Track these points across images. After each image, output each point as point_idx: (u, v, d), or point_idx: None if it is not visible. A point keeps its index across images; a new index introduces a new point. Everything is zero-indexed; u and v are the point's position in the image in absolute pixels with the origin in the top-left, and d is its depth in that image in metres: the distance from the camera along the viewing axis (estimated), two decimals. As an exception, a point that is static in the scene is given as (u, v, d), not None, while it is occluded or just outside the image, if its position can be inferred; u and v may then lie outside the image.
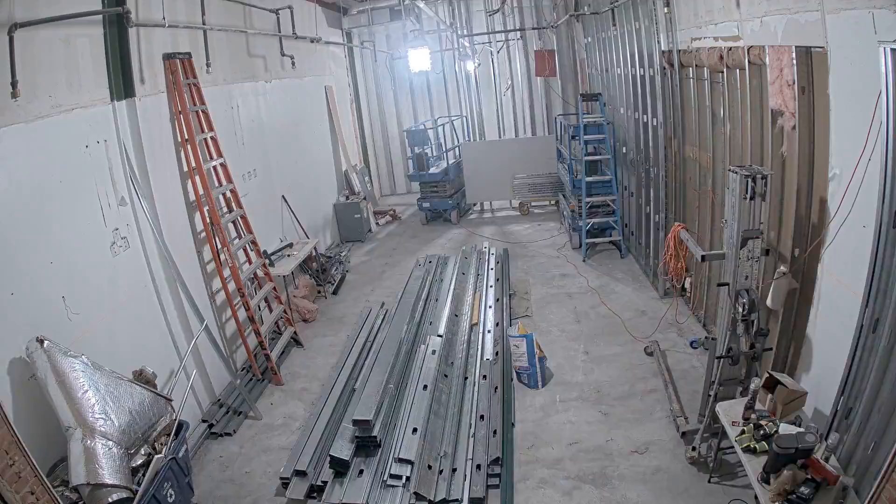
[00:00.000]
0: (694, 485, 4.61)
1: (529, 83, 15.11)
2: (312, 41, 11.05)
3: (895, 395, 3.29)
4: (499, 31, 14.21)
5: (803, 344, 4.57)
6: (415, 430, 5.21)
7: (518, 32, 14.38)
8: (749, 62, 5.31)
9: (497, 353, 6.63)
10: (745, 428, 3.95)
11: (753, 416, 4.01)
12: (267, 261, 7.85)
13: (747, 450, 3.82)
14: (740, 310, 4.28)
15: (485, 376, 6.18)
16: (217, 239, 6.66)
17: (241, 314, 6.94)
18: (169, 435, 4.52)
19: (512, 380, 6.32)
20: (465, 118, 14.81)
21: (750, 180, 4.07)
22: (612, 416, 5.61)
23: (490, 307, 7.80)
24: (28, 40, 4.38)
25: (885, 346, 3.37)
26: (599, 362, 6.60)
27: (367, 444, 5.11)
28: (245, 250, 7.55)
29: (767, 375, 4.18)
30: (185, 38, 6.81)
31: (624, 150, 10.09)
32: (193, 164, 6.47)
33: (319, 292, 9.44)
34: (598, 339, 7.12)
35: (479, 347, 6.84)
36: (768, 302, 4.75)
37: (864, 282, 3.56)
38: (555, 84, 14.63)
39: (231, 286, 6.83)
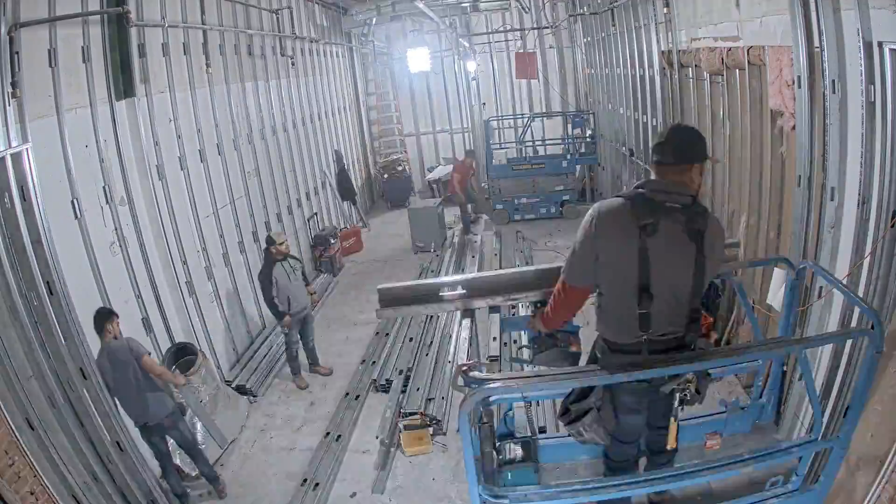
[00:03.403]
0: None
1: (529, 84, 15.07)
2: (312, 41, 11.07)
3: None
4: (498, 31, 14.21)
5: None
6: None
7: (518, 33, 14.37)
8: (749, 62, 5.31)
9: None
10: None
11: None
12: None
13: None
14: None
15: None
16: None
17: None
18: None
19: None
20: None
21: None
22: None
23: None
24: (29, 40, 4.38)
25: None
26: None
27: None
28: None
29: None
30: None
31: (624, 149, 10.10)
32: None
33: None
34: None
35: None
36: (770, 300, 4.74)
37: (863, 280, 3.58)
38: (555, 84, 14.66)
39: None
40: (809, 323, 4.25)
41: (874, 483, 3.00)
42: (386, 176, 14.65)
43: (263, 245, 6.95)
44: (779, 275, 4.88)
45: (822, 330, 4.16)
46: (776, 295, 4.68)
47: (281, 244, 6.35)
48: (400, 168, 14.71)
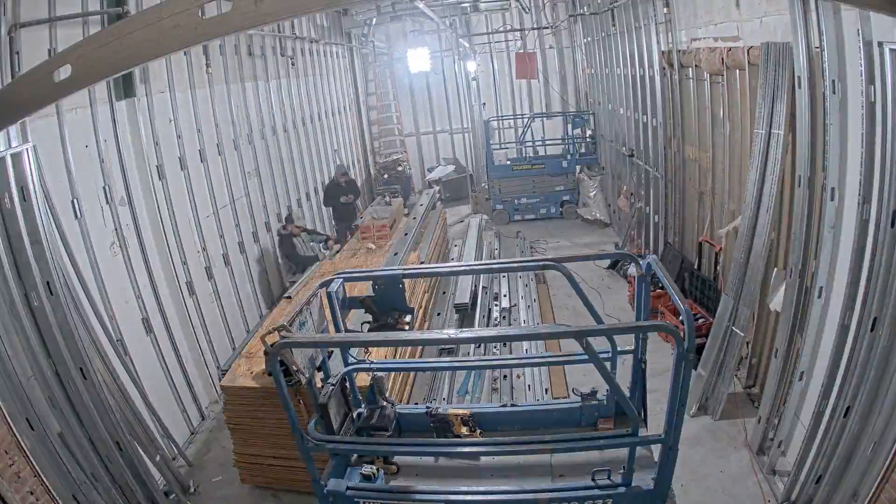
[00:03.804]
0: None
1: (529, 84, 15.08)
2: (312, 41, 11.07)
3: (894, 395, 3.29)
4: (498, 31, 14.21)
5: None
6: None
7: (518, 33, 14.36)
8: (749, 63, 5.31)
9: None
10: None
11: None
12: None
13: None
14: None
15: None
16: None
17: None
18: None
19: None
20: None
21: None
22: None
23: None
24: (29, 40, 4.38)
25: (884, 345, 3.37)
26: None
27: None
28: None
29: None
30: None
31: (624, 150, 10.12)
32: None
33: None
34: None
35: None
36: (772, 305, 4.75)
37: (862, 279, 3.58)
38: (555, 84, 14.67)
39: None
40: (809, 323, 4.25)
41: (875, 482, 3.00)
42: (386, 176, 14.64)
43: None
44: (778, 277, 4.90)
45: (822, 329, 4.16)
46: (776, 297, 4.69)
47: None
48: (400, 168, 14.75)
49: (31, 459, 3.33)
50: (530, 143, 13.39)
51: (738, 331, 5.28)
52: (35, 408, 3.89)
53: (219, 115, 7.52)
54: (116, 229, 5.39)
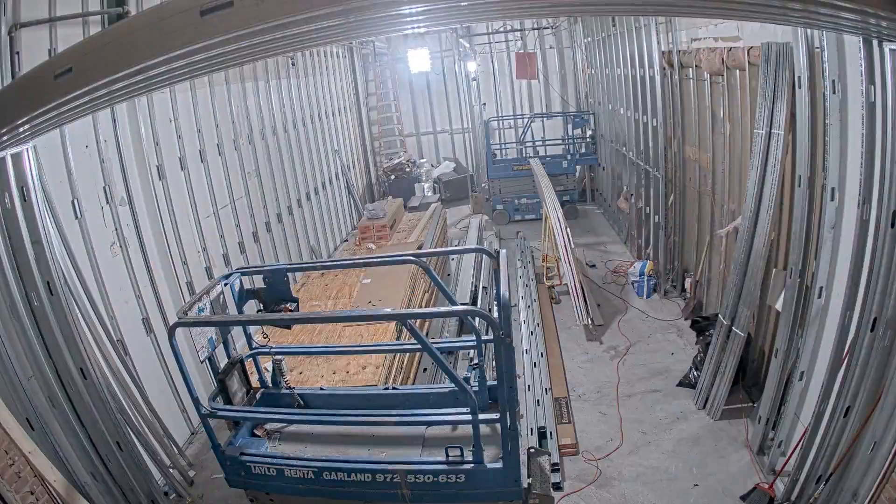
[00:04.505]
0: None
1: (529, 84, 15.08)
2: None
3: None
4: (498, 32, 14.21)
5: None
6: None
7: (518, 33, 14.36)
8: (749, 63, 5.32)
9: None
10: None
11: None
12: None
13: None
14: None
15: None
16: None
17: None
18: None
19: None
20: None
21: None
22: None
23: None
24: (29, 40, 4.38)
25: (884, 345, 3.37)
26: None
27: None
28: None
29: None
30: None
31: (624, 150, 10.13)
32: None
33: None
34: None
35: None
36: (777, 305, 4.75)
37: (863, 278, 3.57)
38: (555, 84, 14.68)
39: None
40: (809, 323, 4.25)
41: (875, 483, 3.00)
42: (393, 177, 14.76)
43: None
44: (778, 277, 4.91)
45: (822, 329, 4.16)
46: (781, 297, 4.69)
47: None
48: (408, 170, 14.87)
49: (31, 459, 3.33)
50: (530, 144, 13.40)
51: (738, 331, 5.28)
52: (35, 408, 3.90)
53: (219, 115, 7.52)
54: (116, 229, 5.39)
